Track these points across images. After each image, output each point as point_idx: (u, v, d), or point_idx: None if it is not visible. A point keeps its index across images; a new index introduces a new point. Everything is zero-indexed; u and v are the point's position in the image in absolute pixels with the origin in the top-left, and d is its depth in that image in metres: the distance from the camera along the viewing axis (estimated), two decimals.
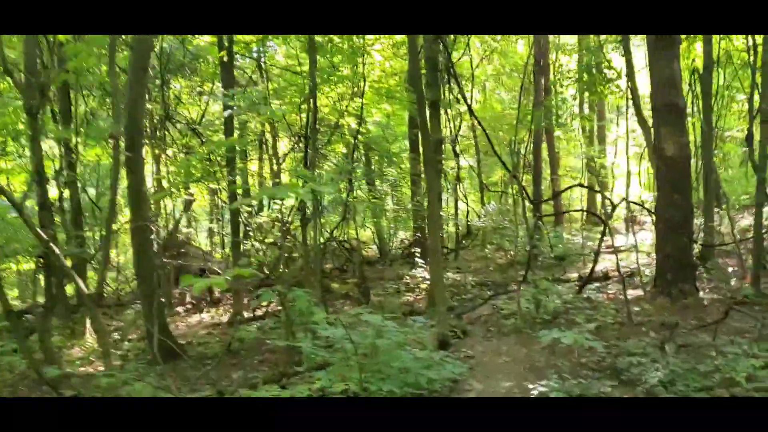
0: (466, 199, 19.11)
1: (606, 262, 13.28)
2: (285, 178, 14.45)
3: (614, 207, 8.33)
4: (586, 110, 20.51)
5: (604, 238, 10.03)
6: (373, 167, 18.93)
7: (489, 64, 18.99)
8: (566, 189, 12.60)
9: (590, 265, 12.22)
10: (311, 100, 10.15)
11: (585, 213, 14.50)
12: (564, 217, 16.49)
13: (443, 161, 10.30)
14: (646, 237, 15.63)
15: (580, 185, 9.18)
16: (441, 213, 10.67)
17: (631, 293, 8.69)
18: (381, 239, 19.83)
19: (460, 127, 18.63)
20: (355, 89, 17.60)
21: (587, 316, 7.62)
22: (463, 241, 18.83)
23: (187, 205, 15.49)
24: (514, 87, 18.66)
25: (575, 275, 11.94)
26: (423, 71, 8.54)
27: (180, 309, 13.65)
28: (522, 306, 8.11)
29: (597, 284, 10.32)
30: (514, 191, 21.56)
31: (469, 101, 18.95)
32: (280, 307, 8.62)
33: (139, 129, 8.15)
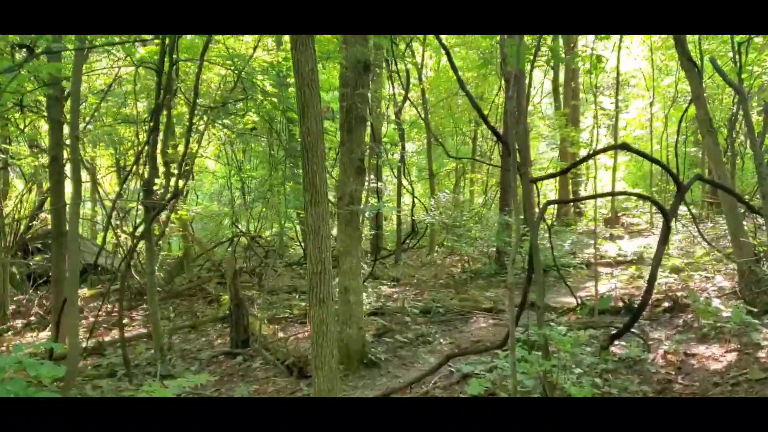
0: (413, 188, 14.87)
1: (606, 282, 9.16)
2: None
3: (682, 189, 4.08)
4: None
5: (601, 247, 5.78)
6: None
7: None
8: (604, 150, 7.98)
9: (591, 285, 8.15)
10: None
11: (574, 207, 10.24)
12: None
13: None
14: (644, 244, 11.78)
15: (625, 146, 4.93)
16: (362, 195, 6.27)
17: (702, 351, 4.54)
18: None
19: (406, 96, 14.18)
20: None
21: None
22: (407, 242, 14.71)
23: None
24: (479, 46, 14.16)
25: (568, 300, 7.82)
26: None
27: (18, 323, 9.95)
28: (516, 385, 3.75)
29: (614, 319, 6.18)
30: (484, 174, 17.38)
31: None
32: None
33: None
